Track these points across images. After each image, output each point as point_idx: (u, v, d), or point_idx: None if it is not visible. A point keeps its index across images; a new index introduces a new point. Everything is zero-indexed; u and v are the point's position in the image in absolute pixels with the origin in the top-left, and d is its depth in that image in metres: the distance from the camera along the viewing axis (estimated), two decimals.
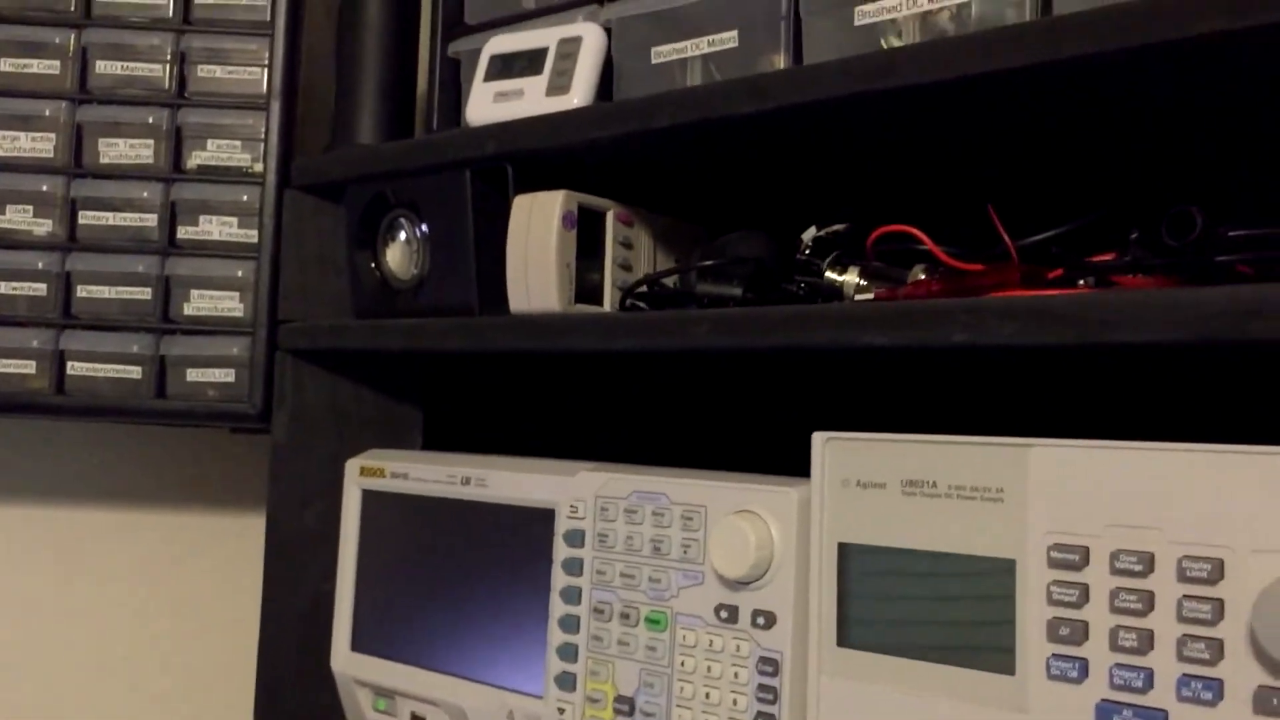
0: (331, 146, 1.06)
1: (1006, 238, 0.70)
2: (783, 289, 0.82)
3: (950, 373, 0.83)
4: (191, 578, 1.27)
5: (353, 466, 0.97)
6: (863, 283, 0.75)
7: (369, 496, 0.96)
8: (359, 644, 0.96)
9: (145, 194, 1.07)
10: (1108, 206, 0.70)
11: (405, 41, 1.05)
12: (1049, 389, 0.78)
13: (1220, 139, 0.69)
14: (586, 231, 0.87)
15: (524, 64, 0.90)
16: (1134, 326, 0.55)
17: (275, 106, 1.06)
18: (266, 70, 1.07)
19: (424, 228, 0.94)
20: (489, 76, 0.92)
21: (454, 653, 0.89)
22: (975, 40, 0.61)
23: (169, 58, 1.08)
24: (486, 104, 0.91)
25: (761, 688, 0.70)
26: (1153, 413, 0.78)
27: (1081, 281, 0.66)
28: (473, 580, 0.88)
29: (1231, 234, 0.60)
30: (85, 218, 1.07)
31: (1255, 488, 0.53)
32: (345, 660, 0.96)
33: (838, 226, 0.84)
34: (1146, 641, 0.56)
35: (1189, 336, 0.54)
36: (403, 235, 0.96)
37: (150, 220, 1.07)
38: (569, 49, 0.88)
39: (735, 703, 0.71)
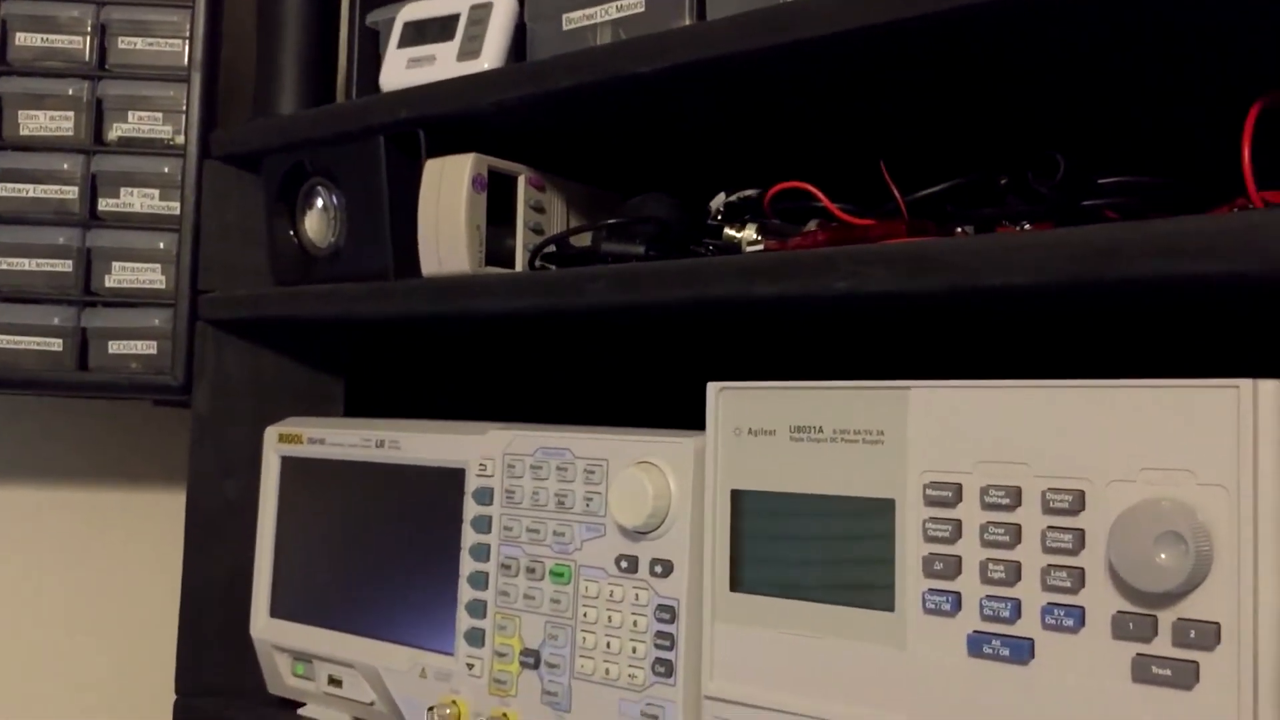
0: (253, 118, 1.06)
1: (896, 192, 0.72)
2: (690, 250, 0.84)
3: (839, 322, 0.85)
4: (116, 552, 1.27)
5: (271, 434, 0.98)
6: (758, 238, 0.77)
7: (287, 463, 0.97)
8: (278, 610, 0.96)
9: (66, 166, 1.07)
10: (998, 162, 0.72)
11: (325, 12, 1.05)
12: (936, 337, 0.80)
13: (1100, 91, 0.71)
14: (499, 196, 0.88)
15: (436, 30, 0.91)
16: (1001, 270, 0.57)
17: (196, 78, 1.07)
18: (188, 42, 1.07)
19: (340, 195, 0.94)
20: (403, 43, 0.93)
21: (369, 615, 0.89)
22: None
23: (89, 30, 1.08)
24: (400, 70, 0.92)
25: (659, 634, 0.72)
26: (1037, 355, 0.80)
27: (960, 230, 0.67)
28: (388, 542, 0.89)
29: (1101, 181, 0.62)
30: (5, 190, 1.07)
31: (1111, 420, 0.55)
32: (264, 626, 0.97)
33: (749, 192, 0.85)
34: (1014, 573, 0.58)
35: (1052, 278, 0.55)
36: (320, 203, 0.97)
37: (71, 193, 1.07)
38: (480, 15, 0.89)
39: (635, 650, 0.73)
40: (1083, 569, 0.56)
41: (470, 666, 0.81)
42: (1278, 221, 0.49)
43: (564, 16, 0.87)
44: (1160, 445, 0.54)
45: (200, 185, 1.04)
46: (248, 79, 1.09)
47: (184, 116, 1.06)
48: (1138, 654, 0.54)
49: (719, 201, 0.85)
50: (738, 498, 0.69)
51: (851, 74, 0.70)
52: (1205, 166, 0.68)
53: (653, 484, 0.71)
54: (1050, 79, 0.68)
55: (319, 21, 1.05)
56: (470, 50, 0.88)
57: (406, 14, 0.93)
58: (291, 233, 0.98)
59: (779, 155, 0.91)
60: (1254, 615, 0.51)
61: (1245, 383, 0.52)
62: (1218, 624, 0.52)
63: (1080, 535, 0.56)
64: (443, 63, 0.89)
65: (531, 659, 0.78)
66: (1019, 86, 0.70)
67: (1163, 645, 0.53)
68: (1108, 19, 0.59)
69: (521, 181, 0.89)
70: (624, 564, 0.74)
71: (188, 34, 1.07)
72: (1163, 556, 0.52)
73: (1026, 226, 0.68)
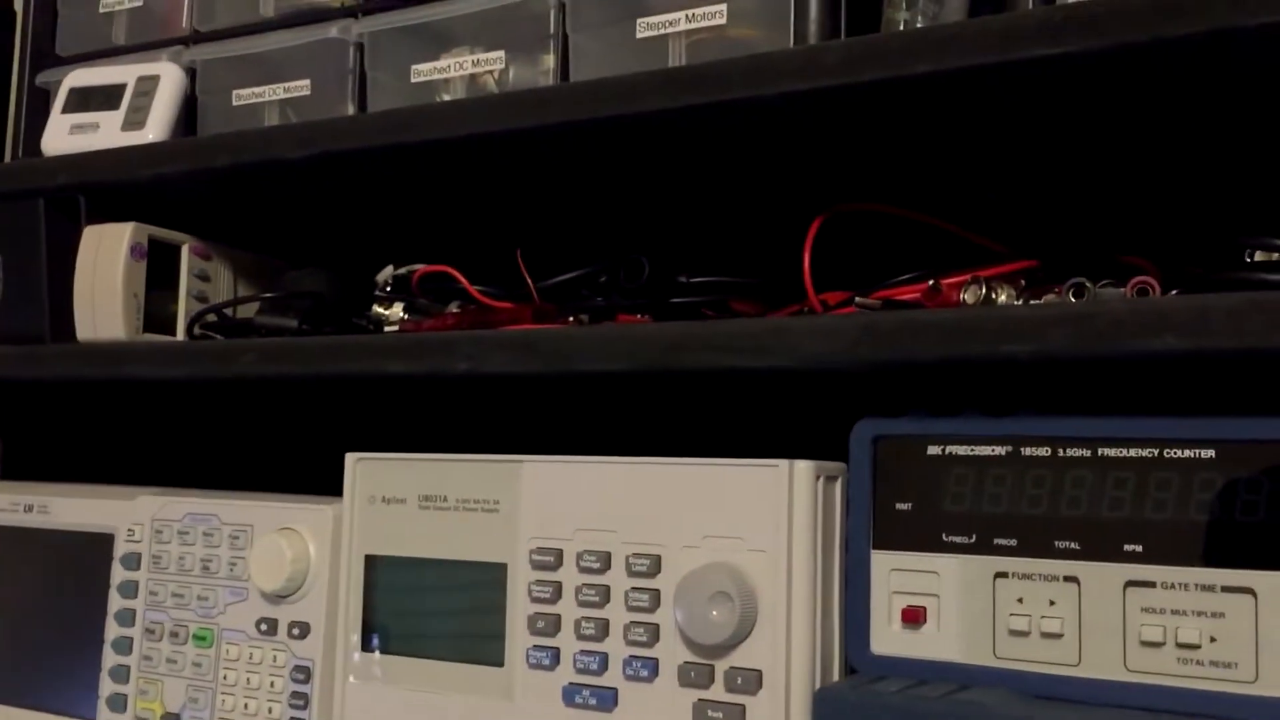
0: None
1: (529, 279, 0.78)
2: (350, 322, 0.88)
3: (471, 395, 0.91)
4: None
5: None
6: (405, 317, 0.82)
7: None
8: None
9: None
10: (618, 254, 0.80)
11: None
12: (554, 414, 0.88)
13: (695, 203, 0.80)
14: (162, 263, 0.89)
15: (102, 98, 0.92)
16: (592, 357, 0.64)
17: None
18: None
19: None
20: (67, 108, 0.93)
21: (12, 681, 0.88)
22: (470, 104, 0.69)
23: None
24: (63, 135, 0.92)
25: (295, 694, 0.75)
26: (636, 431, 0.89)
27: (575, 319, 0.74)
28: (35, 608, 0.88)
29: (691, 280, 0.70)
30: None
31: (681, 493, 0.63)
32: None
33: (417, 266, 0.90)
34: (603, 629, 0.65)
35: (631, 365, 0.63)
36: None
37: None
38: (147, 86, 0.91)
39: (270, 711, 0.75)
40: (658, 624, 0.63)
41: None
42: (800, 326, 0.58)
43: (234, 92, 0.90)
44: (719, 515, 0.62)
45: None
46: None
47: None
48: (698, 699, 0.62)
49: (387, 274, 0.89)
50: (371, 562, 0.73)
51: (479, 170, 0.77)
52: (794, 266, 0.78)
53: (292, 549, 0.75)
54: (644, 190, 0.77)
55: None
56: (135, 121, 0.89)
57: (73, 80, 0.94)
58: None
59: (443, 233, 0.96)
60: (787, 663, 0.60)
61: (784, 463, 0.61)
62: (760, 671, 0.60)
63: (657, 595, 0.63)
64: (106, 131, 0.90)
65: None
66: (625, 191, 0.78)
67: (718, 691, 0.61)
68: (683, 146, 0.68)
69: (185, 251, 0.91)
70: (264, 627, 0.76)
71: None
72: (715, 613, 0.60)
73: (640, 317, 0.76)
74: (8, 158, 1.07)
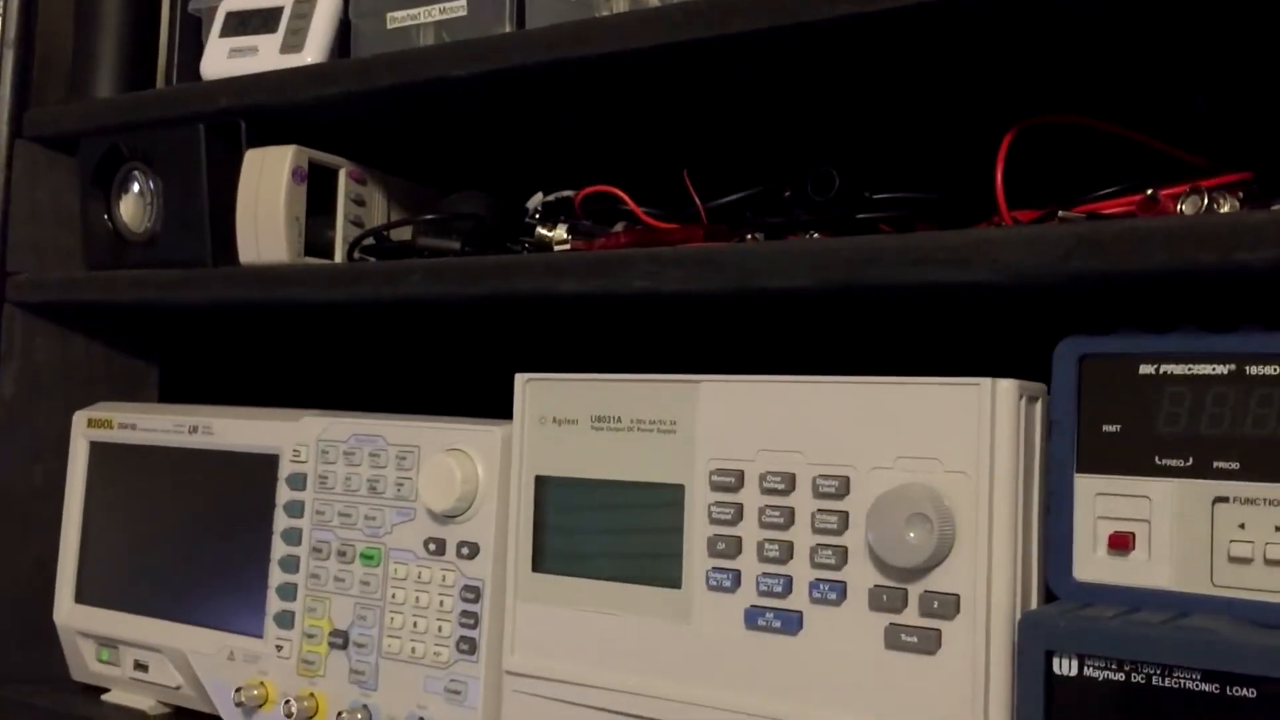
0: (67, 99, 1.04)
1: (696, 199, 0.77)
2: (506, 247, 0.87)
3: (642, 317, 0.90)
4: None
5: (80, 418, 0.97)
6: (569, 237, 0.80)
7: (97, 448, 0.96)
8: (83, 596, 0.95)
9: None
10: (789, 174, 0.78)
11: None
12: (729, 333, 0.86)
13: (880, 113, 0.78)
14: (320, 188, 0.90)
15: (259, 21, 0.92)
16: (778, 273, 0.62)
17: (9, 56, 1.04)
18: (0, 19, 1.05)
19: (158, 180, 0.94)
20: (225, 32, 0.93)
21: (178, 599, 0.90)
22: (652, 14, 0.66)
23: None
24: (221, 59, 0.92)
25: (464, 614, 0.75)
26: (815, 352, 0.87)
27: (751, 236, 0.72)
28: (199, 527, 0.89)
29: (875, 196, 0.68)
30: None
31: (872, 413, 0.61)
32: (69, 612, 0.96)
33: (565, 193, 0.89)
34: (787, 552, 0.63)
35: (820, 281, 0.61)
36: (136, 188, 0.96)
37: None
38: (304, 9, 0.90)
39: (440, 629, 0.76)
40: (846, 547, 0.62)
41: (279, 648, 0.83)
42: (1006, 237, 0.55)
43: (388, 15, 0.89)
44: (913, 436, 0.60)
45: (10, 165, 1.02)
46: (64, 58, 1.07)
47: None
48: (890, 623, 0.60)
49: (536, 201, 0.88)
50: (541, 483, 0.73)
51: (650, 85, 0.75)
52: (976, 185, 0.75)
53: (461, 470, 0.75)
54: (829, 101, 0.74)
55: (139, 6, 1.04)
56: (293, 44, 0.89)
57: (229, 3, 0.94)
58: (106, 217, 0.97)
59: (598, 157, 0.95)
60: (988, 587, 0.58)
61: (985, 381, 0.58)
62: (958, 595, 0.58)
63: (845, 517, 0.62)
64: (265, 54, 0.90)
65: (340, 639, 0.80)
66: (802, 106, 0.76)
67: (911, 615, 0.59)
68: (867, 55, 0.65)
69: (342, 175, 0.91)
70: (432, 546, 0.77)
71: (1, 10, 1.05)
72: (911, 535, 0.58)
73: (815, 235, 0.74)
74: (159, 84, 1.07)
